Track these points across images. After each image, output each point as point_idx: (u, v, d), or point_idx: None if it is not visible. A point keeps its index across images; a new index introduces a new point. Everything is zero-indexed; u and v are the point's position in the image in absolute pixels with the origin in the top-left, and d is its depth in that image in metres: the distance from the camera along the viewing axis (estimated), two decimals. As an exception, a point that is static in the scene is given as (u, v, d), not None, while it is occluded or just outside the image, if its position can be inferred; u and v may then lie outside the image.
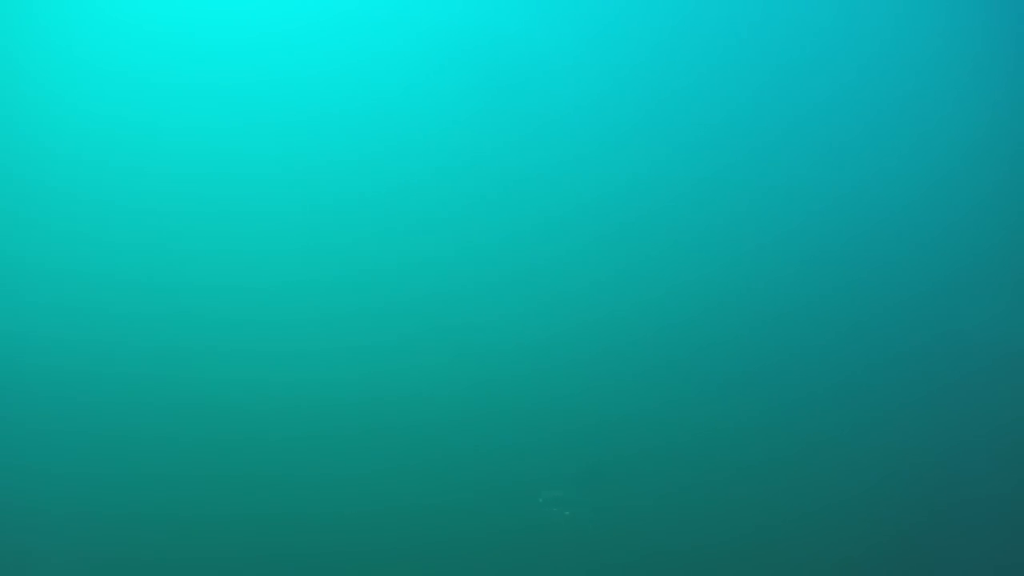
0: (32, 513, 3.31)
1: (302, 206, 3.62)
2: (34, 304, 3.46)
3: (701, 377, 3.61)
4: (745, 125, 3.77)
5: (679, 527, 3.41)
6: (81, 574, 3.27)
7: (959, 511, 3.48)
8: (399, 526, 3.34)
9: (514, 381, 3.52)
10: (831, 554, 3.41)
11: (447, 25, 3.68)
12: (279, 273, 3.58)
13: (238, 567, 3.29)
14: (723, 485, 3.47)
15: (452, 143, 3.68)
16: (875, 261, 3.72)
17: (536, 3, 3.73)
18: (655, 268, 3.67)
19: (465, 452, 3.43)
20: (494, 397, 3.50)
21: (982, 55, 3.78)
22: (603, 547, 3.36)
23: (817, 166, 3.76)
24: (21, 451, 3.36)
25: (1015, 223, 3.70)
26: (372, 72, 3.68)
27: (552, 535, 3.34)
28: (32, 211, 3.48)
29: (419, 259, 3.61)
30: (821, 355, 3.65)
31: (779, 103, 3.79)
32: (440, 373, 3.49)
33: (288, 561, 3.29)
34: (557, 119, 3.72)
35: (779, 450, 3.53)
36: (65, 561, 3.26)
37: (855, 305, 3.69)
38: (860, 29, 3.81)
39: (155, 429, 3.42)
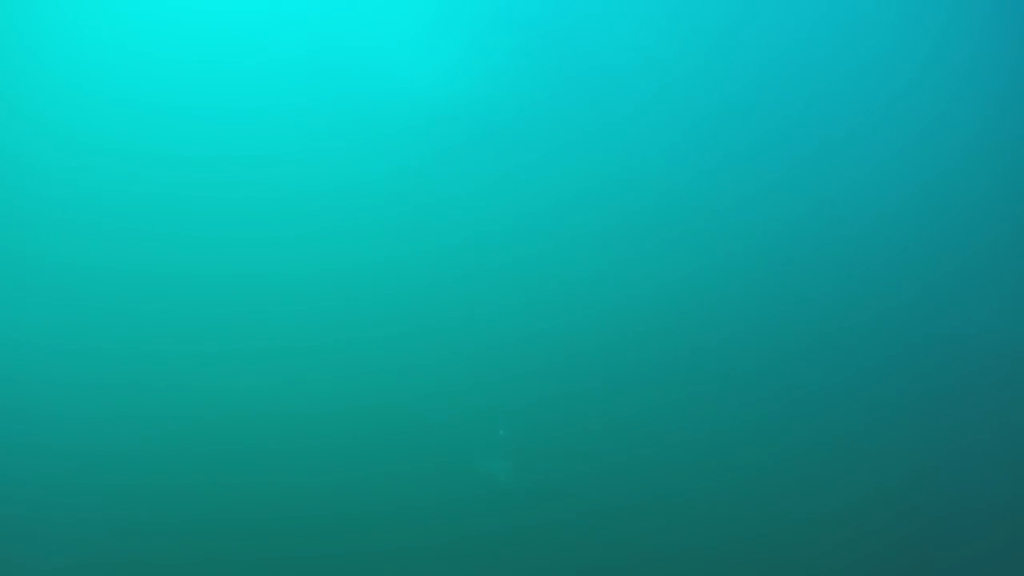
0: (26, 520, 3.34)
1: (296, 204, 3.63)
2: (32, 305, 3.48)
3: (698, 378, 3.58)
4: (741, 119, 3.74)
5: (664, 527, 3.40)
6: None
7: (960, 516, 3.44)
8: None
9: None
10: (824, 558, 3.38)
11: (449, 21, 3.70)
12: (277, 274, 3.59)
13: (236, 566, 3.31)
14: (714, 489, 3.45)
15: (441, 138, 3.68)
16: (875, 261, 3.68)
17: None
18: (652, 260, 3.66)
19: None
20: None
21: (983, 51, 3.73)
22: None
23: (816, 162, 3.72)
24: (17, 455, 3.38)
25: (1016, 222, 3.66)
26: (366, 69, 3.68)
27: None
28: (28, 212, 3.51)
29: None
30: (819, 356, 3.62)
31: (776, 97, 3.75)
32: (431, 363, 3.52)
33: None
34: (545, 113, 3.72)
35: (774, 452, 3.50)
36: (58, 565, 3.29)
37: (855, 305, 3.65)
38: (856, 18, 3.77)
39: (146, 430, 3.44)
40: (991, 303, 3.60)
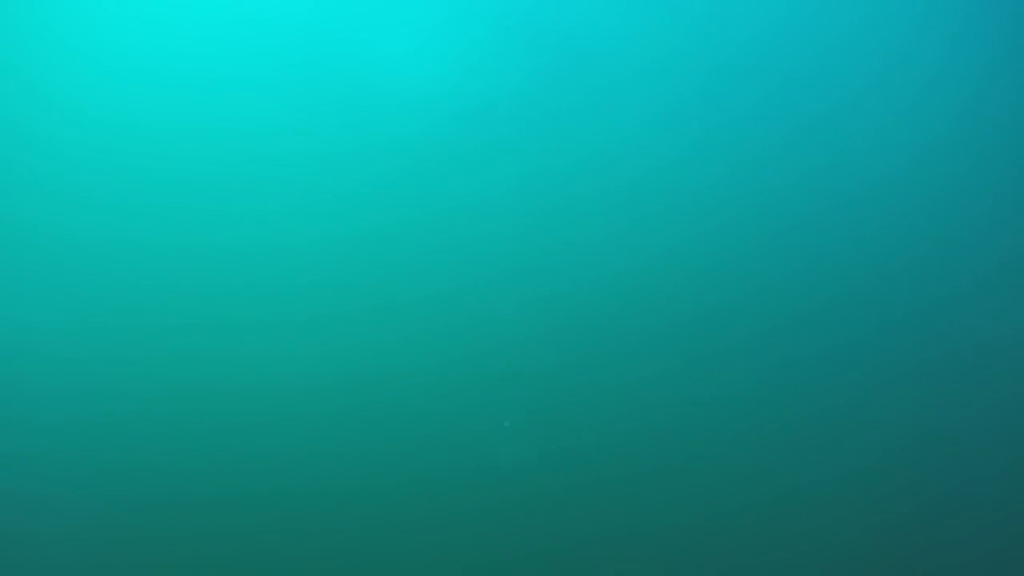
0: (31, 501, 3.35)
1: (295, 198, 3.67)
2: (33, 298, 3.50)
3: (700, 375, 3.62)
4: (747, 120, 3.79)
5: (654, 497, 3.43)
6: (80, 559, 3.31)
7: (953, 501, 3.47)
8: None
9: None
10: (817, 542, 3.40)
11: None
12: (275, 267, 3.61)
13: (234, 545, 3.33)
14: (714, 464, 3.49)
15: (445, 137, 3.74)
16: (873, 252, 3.72)
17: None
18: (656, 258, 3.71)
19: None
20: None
21: (989, 54, 3.78)
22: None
23: (819, 161, 3.76)
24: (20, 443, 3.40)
25: (1018, 222, 3.71)
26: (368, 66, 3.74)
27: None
28: (30, 207, 3.53)
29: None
30: (816, 338, 3.65)
31: (783, 101, 3.79)
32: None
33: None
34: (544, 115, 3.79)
35: (770, 436, 3.53)
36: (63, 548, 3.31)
37: (850, 293, 3.69)
38: (864, 21, 3.83)
39: (149, 417, 3.45)
40: (988, 285, 3.66)
